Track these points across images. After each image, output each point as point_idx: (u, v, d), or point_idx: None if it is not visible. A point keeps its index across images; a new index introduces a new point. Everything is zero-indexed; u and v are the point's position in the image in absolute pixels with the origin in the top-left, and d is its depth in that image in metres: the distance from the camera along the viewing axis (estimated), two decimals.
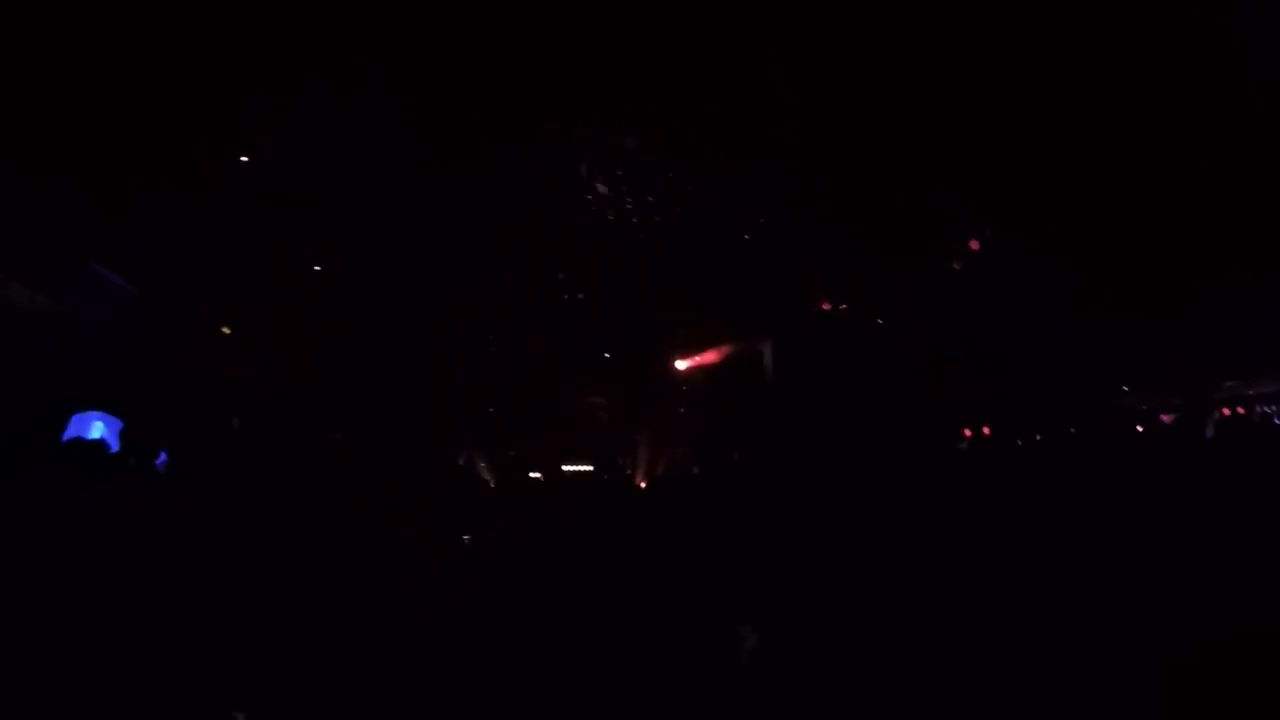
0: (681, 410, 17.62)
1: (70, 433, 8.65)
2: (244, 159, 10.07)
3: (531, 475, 14.60)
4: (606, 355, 16.96)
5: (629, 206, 10.92)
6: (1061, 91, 8.78)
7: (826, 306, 14.62)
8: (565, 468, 15.85)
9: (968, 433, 13.42)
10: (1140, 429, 11.86)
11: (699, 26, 8.14)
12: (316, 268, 12.31)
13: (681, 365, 17.57)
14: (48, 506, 5.59)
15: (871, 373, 14.24)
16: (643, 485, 15.05)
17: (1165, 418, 11.86)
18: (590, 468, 15.90)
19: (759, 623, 5.01)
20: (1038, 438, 12.70)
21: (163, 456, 8.43)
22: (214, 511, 6.70)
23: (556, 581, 5.88)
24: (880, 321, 14.48)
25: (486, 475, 13.64)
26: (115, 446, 8.51)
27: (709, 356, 16.98)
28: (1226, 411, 11.05)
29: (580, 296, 13.96)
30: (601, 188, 11.07)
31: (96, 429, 9.34)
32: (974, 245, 11.93)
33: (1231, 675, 3.94)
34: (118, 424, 9.55)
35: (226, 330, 11.13)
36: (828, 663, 4.53)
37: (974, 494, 8.74)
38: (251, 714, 4.60)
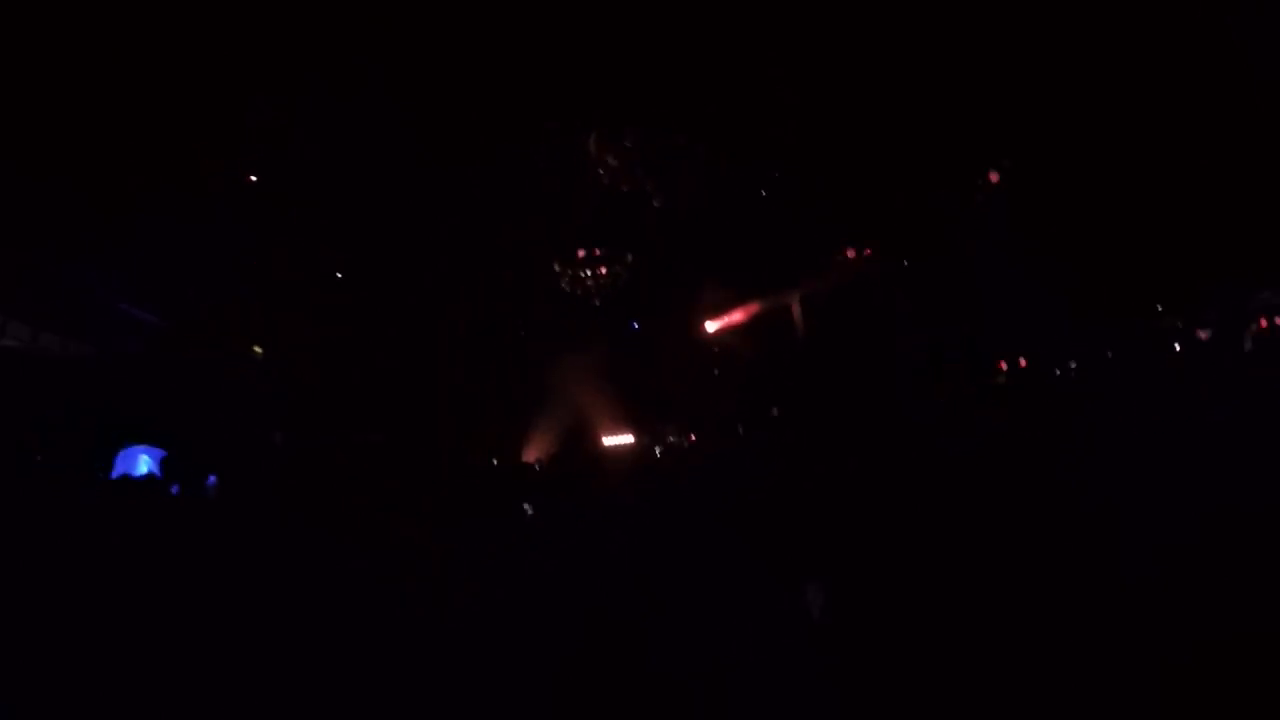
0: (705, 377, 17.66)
1: (118, 470, 8.95)
2: (254, 178, 10.18)
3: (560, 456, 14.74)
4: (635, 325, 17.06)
5: (636, 180, 10.85)
6: (1062, 87, 8.56)
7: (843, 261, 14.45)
8: (606, 439, 16.09)
9: (1003, 365, 13.32)
10: (1177, 346, 11.65)
11: (699, 26, 8.02)
12: (336, 275, 12.48)
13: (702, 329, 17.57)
14: (97, 536, 5.83)
15: (874, 364, 14.14)
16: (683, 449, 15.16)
17: (1202, 334, 11.62)
18: (629, 438, 16.11)
19: (759, 622, 5.07)
20: (1073, 366, 12.54)
21: (211, 479, 8.67)
22: (239, 516, 6.94)
23: (557, 581, 5.97)
24: (882, 317, 14.36)
25: (508, 463, 13.78)
26: (154, 473, 8.80)
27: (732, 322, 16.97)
28: (1264, 323, 10.77)
29: (602, 272, 13.99)
30: (611, 160, 11.00)
31: (143, 463, 9.64)
32: (992, 177, 11.66)
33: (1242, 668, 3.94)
34: (156, 453, 9.84)
35: (258, 350, 11.36)
36: (828, 662, 4.58)
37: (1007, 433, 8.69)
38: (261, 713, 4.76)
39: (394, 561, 6.17)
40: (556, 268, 13.95)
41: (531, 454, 14.88)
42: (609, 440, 16.04)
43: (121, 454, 9.19)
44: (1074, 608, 4.49)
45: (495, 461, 13.06)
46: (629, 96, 9.11)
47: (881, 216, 12.93)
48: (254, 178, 10.30)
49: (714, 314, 17.24)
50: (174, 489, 8.41)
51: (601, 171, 11.49)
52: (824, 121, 9.63)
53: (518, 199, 12.27)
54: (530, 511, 10.47)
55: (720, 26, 8.06)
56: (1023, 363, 13.09)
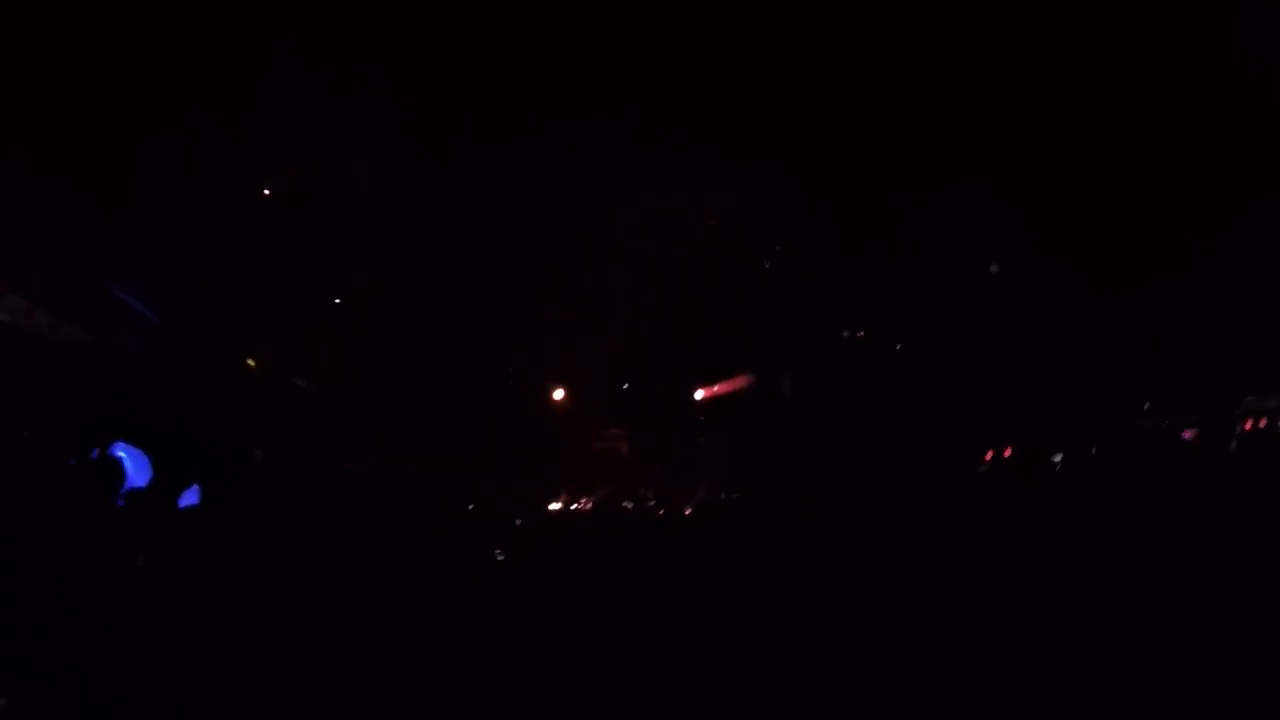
0: (700, 439, 17.72)
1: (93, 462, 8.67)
2: (266, 191, 10.21)
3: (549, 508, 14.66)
4: (625, 386, 17.10)
5: (641, 228, 10.99)
6: (1083, 98, 8.76)
7: (844, 333, 14.62)
8: (583, 501, 15.93)
9: (988, 456, 13.39)
10: (1162, 448, 11.81)
11: (699, 26, 8.18)
12: (335, 300, 12.47)
13: (698, 394, 17.66)
14: (78, 532, 5.65)
15: (887, 397, 14.35)
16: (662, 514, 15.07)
17: (1187, 434, 11.80)
18: (612, 499, 15.96)
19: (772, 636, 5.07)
20: (1057, 459, 12.64)
21: (194, 491, 8.43)
22: (241, 540, 6.78)
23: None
24: (895, 346, 14.61)
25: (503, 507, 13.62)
26: (136, 476, 8.54)
27: (724, 382, 17.10)
28: (1249, 425, 10.96)
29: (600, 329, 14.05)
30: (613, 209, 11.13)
31: (122, 460, 9.36)
32: (992, 268, 12.00)
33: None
34: (140, 455, 9.57)
35: (251, 363, 11.22)
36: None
37: (993, 518, 8.72)
38: None
39: (366, 592, 6.09)
40: (553, 318, 14.01)
41: (510, 502, 14.68)
42: (588, 497, 15.92)
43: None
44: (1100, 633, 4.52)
45: (472, 507, 12.87)
46: (629, 97, 9.12)
47: (880, 295, 13.17)
48: (266, 191, 10.32)
49: (708, 382, 17.33)
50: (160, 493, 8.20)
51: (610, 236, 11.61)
52: (824, 122, 9.72)
53: (528, 252, 12.40)
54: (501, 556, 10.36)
55: (720, 26, 8.20)
56: (1006, 452, 13.19)
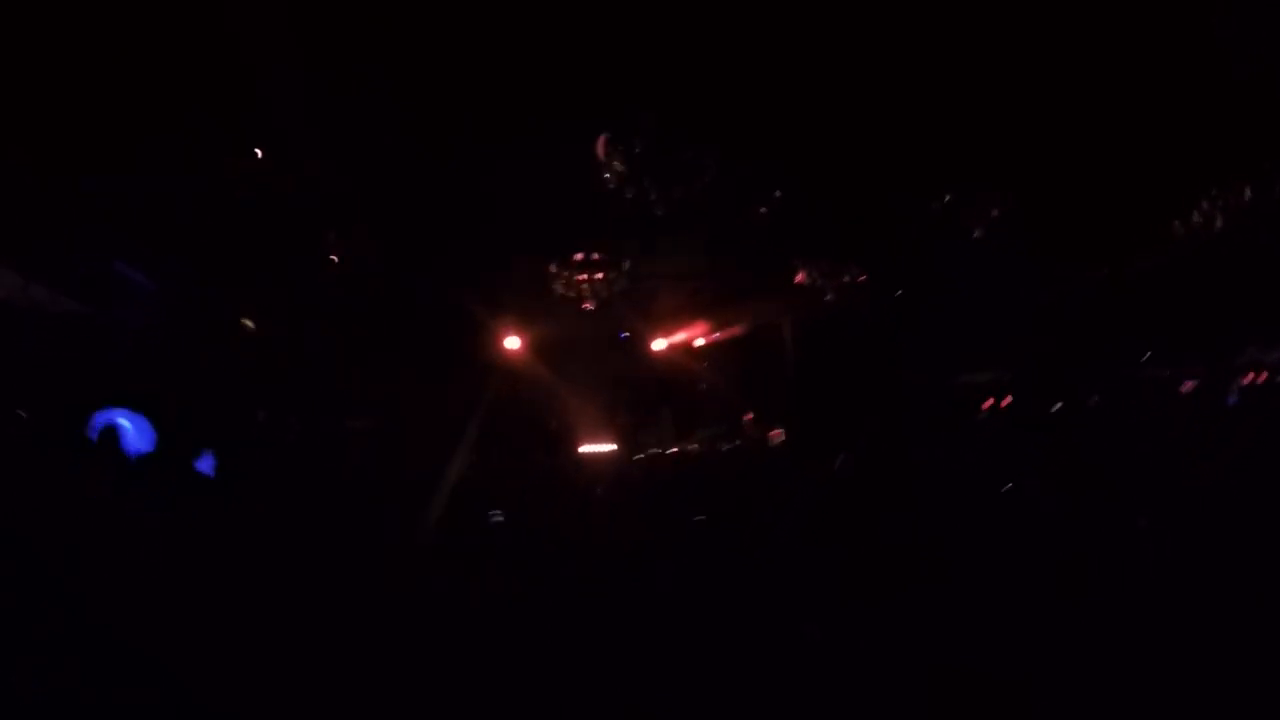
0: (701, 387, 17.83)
1: (94, 432, 8.70)
2: (258, 152, 10.06)
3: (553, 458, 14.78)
4: (624, 335, 17.14)
5: (641, 188, 10.89)
6: (1058, 77, 8.69)
7: (838, 284, 14.55)
8: (584, 449, 16.06)
9: (986, 405, 13.42)
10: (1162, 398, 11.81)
11: (699, 25, 8.05)
12: (332, 258, 12.36)
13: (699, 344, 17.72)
14: (81, 507, 5.65)
15: (884, 353, 14.43)
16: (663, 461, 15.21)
17: (1187, 385, 11.81)
18: (612, 447, 16.11)
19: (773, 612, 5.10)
20: (1056, 408, 12.65)
21: (206, 459, 8.41)
22: (245, 506, 6.79)
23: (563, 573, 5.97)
24: (890, 299, 14.60)
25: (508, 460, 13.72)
26: (136, 443, 8.56)
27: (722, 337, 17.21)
28: (1249, 377, 10.97)
29: (598, 277, 13.95)
30: (618, 165, 10.97)
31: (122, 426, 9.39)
32: (984, 221, 11.89)
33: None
34: (143, 421, 9.60)
35: (249, 323, 11.20)
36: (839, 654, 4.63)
37: (992, 467, 8.74)
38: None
39: (370, 557, 6.10)
40: (552, 269, 13.90)
41: (510, 457, 14.77)
42: (587, 448, 16.05)
43: (99, 415, 8.96)
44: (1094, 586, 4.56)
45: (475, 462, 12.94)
46: (627, 94, 9.04)
47: (882, 244, 13.11)
48: (259, 151, 10.18)
49: (704, 328, 17.34)
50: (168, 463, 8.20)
51: (607, 175, 11.44)
52: (823, 121, 9.66)
53: (518, 196, 12.22)
54: (501, 519, 10.47)
55: (720, 26, 8.07)
56: (1005, 402, 13.21)
